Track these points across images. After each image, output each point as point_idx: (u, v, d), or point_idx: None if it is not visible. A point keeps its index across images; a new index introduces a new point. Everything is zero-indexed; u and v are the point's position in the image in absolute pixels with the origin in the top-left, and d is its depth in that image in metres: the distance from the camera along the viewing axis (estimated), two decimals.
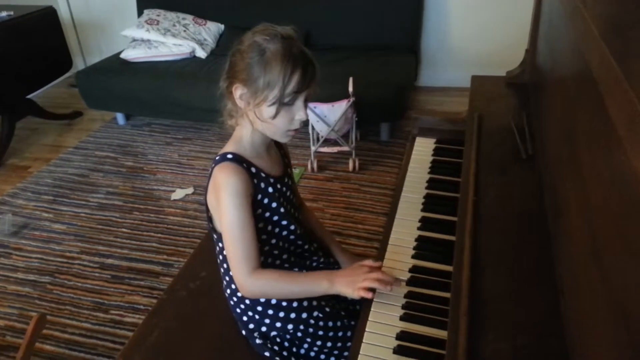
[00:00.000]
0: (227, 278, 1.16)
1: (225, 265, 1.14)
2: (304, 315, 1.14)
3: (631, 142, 0.49)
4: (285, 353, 1.15)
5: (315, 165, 2.70)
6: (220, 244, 1.12)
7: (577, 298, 0.74)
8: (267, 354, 1.13)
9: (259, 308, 1.14)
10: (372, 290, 1.00)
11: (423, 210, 1.26)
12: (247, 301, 1.14)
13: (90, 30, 4.20)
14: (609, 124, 0.56)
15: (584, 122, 0.77)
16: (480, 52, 3.43)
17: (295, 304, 1.13)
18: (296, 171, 2.70)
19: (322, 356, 1.16)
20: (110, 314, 1.93)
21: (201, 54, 3.29)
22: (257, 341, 1.15)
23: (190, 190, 2.66)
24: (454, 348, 0.79)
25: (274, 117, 1.00)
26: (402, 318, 0.97)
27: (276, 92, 0.97)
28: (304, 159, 2.79)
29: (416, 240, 1.16)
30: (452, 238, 1.06)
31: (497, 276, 0.91)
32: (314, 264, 1.24)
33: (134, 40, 3.35)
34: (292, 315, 1.13)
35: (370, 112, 2.74)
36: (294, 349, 1.16)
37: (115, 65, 3.29)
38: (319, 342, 1.15)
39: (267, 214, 1.10)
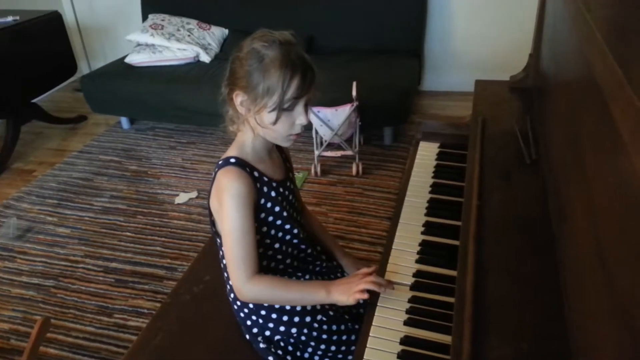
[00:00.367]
0: (231, 283, 1.16)
1: (228, 271, 1.14)
2: (308, 319, 1.14)
3: (635, 147, 0.49)
4: (289, 357, 1.14)
5: (318, 169, 2.71)
6: (223, 249, 1.12)
7: (582, 302, 0.73)
8: (270, 358, 1.13)
9: (263, 312, 1.14)
10: (369, 292, 1.01)
11: (427, 214, 1.26)
12: (251, 305, 1.14)
13: (95, 35, 4.23)
14: (613, 129, 0.56)
15: (588, 126, 0.77)
16: (483, 56, 3.43)
17: (299, 308, 1.13)
18: (299, 175, 2.70)
19: None
20: (114, 318, 1.93)
21: (205, 58, 3.30)
22: (261, 345, 1.15)
23: (194, 194, 2.66)
24: (458, 353, 0.79)
25: (275, 122, 1.00)
26: (406, 323, 0.97)
27: (276, 98, 0.97)
28: (307, 163, 2.79)
29: (420, 244, 1.16)
30: (456, 242, 1.05)
31: (501, 280, 0.91)
32: (317, 268, 1.24)
33: (139, 44, 3.37)
34: (296, 319, 1.14)
35: (374, 116, 2.75)
36: (298, 353, 1.16)
37: (120, 69, 3.30)
38: (322, 346, 1.15)
39: (271, 218, 1.10)
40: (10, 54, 3.01)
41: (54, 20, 3.32)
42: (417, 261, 1.11)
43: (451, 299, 0.94)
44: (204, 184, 2.74)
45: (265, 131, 1.04)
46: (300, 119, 1.02)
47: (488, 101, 1.54)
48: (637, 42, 0.64)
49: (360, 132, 2.71)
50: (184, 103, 3.08)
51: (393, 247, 1.16)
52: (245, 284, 1.03)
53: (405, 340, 0.94)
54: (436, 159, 1.48)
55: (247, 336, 1.19)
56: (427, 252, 1.14)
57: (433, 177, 1.40)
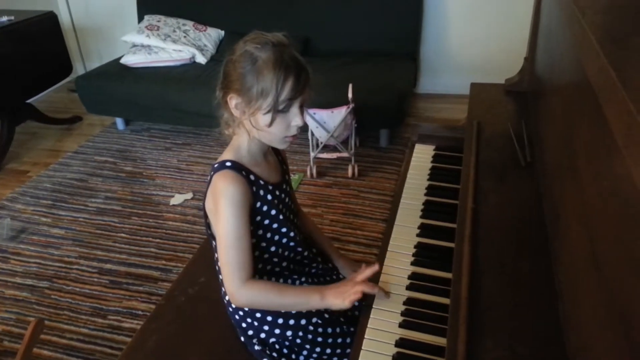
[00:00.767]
0: (224, 286, 1.15)
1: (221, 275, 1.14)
2: (303, 321, 1.14)
3: (629, 151, 0.49)
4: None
5: (314, 171, 2.71)
6: (218, 252, 1.12)
7: (576, 305, 0.74)
8: None
9: (258, 314, 1.14)
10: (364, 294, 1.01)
11: (422, 217, 1.26)
12: (246, 308, 1.14)
13: (90, 36, 4.21)
14: (607, 132, 0.56)
15: (582, 130, 0.77)
16: (479, 59, 3.45)
17: (294, 311, 1.13)
18: (295, 177, 2.70)
19: None
20: (109, 320, 1.92)
21: (201, 59, 3.30)
22: (256, 347, 1.14)
23: (189, 195, 2.66)
24: (453, 356, 0.79)
25: (270, 124, 1.00)
26: (401, 325, 0.97)
27: (270, 100, 0.97)
28: (303, 165, 2.79)
29: (415, 246, 1.16)
30: (451, 245, 1.06)
31: (496, 283, 0.91)
32: (313, 270, 1.24)
33: (134, 45, 3.36)
34: (291, 322, 1.13)
35: (370, 118, 2.75)
36: (293, 356, 1.15)
37: (115, 70, 3.29)
38: (317, 349, 1.15)
39: (267, 221, 1.10)
40: (5, 54, 3.00)
41: (50, 20, 3.31)
42: (413, 263, 1.12)
43: (446, 301, 0.95)
44: (199, 186, 2.74)
45: (261, 134, 1.04)
46: (295, 121, 1.02)
47: (483, 104, 1.54)
48: (631, 46, 0.65)
49: (356, 134, 2.72)
50: (180, 104, 3.07)
51: (388, 249, 1.17)
52: (238, 288, 1.02)
53: (401, 343, 0.94)
54: (432, 162, 1.49)
55: (242, 338, 1.18)
56: (422, 255, 1.14)
57: (428, 180, 1.40)
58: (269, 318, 1.13)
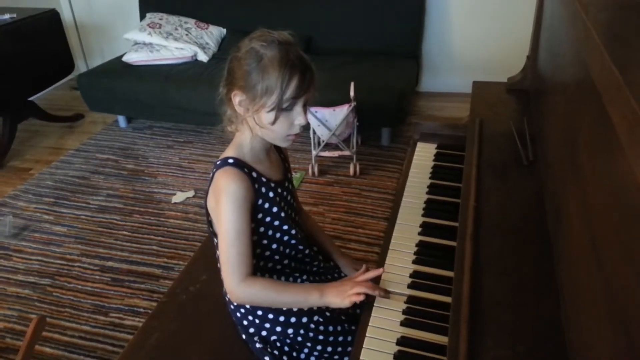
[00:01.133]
0: (224, 283, 1.15)
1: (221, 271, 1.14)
2: (305, 319, 1.14)
3: (632, 149, 0.49)
4: (285, 358, 1.14)
5: (316, 169, 2.71)
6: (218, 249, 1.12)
7: (578, 304, 0.74)
8: (267, 358, 1.13)
9: (259, 312, 1.14)
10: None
11: (424, 215, 1.26)
12: (248, 305, 1.14)
13: (92, 33, 4.21)
14: (610, 131, 0.56)
15: (585, 128, 0.77)
16: (481, 58, 3.44)
17: (295, 309, 1.13)
18: (297, 175, 2.70)
19: None
20: (110, 317, 1.93)
21: (203, 57, 3.30)
22: (257, 345, 1.14)
23: (191, 193, 2.66)
24: (454, 354, 0.79)
25: (273, 122, 1.00)
26: (402, 323, 0.97)
27: (274, 98, 0.97)
28: (304, 163, 2.79)
29: (417, 245, 1.16)
30: (453, 243, 1.06)
31: (498, 282, 0.91)
32: (314, 268, 1.24)
33: (136, 43, 3.36)
34: (293, 320, 1.13)
35: (372, 116, 2.75)
36: (294, 354, 1.15)
37: (117, 68, 3.30)
38: (319, 347, 1.15)
39: (268, 219, 1.10)
40: (7, 51, 3.00)
41: (52, 18, 3.31)
42: (414, 262, 1.12)
43: (448, 300, 0.95)
44: (200, 183, 2.74)
45: (264, 131, 1.04)
46: (299, 119, 1.02)
47: (485, 102, 1.54)
48: (635, 45, 0.65)
49: (358, 132, 2.72)
50: (182, 102, 3.07)
51: (390, 247, 1.17)
52: (238, 285, 1.02)
53: (402, 341, 0.94)
54: (433, 160, 1.48)
55: (244, 336, 1.18)
56: (424, 253, 1.14)
57: (430, 178, 1.40)
58: (271, 316, 1.13)
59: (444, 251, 1.13)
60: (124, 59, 3.31)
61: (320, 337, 1.14)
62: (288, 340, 1.15)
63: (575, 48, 0.87)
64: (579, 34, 0.79)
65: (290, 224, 1.14)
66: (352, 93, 2.54)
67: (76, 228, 2.44)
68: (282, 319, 1.13)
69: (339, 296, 1.01)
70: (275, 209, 1.10)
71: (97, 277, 2.13)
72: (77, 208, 2.60)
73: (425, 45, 3.54)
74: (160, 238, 2.33)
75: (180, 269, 2.07)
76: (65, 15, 3.98)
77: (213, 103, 1.08)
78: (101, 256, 2.24)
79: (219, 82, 1.06)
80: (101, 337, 1.85)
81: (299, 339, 1.14)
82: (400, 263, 1.12)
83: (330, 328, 1.15)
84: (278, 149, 1.19)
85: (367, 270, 1.08)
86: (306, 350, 1.15)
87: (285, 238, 1.15)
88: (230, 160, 1.05)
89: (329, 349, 1.15)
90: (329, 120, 2.54)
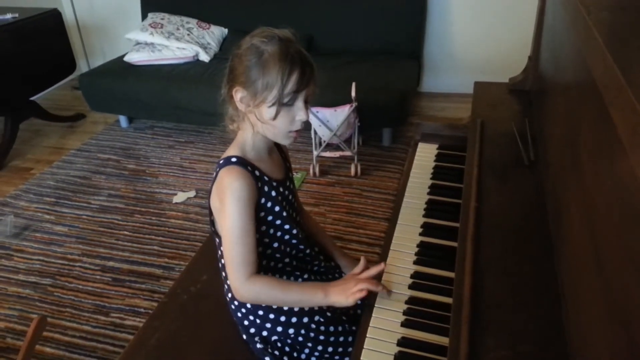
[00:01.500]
0: (229, 282, 1.15)
1: (226, 270, 1.14)
2: (305, 319, 1.14)
3: (634, 151, 0.49)
4: (285, 358, 1.14)
5: (317, 169, 2.71)
6: (222, 249, 1.12)
7: (579, 305, 0.73)
8: (267, 358, 1.13)
9: (260, 312, 1.14)
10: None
11: (425, 216, 1.26)
12: (249, 305, 1.14)
13: (94, 33, 4.22)
14: (612, 132, 0.56)
15: (586, 129, 0.77)
16: (482, 58, 3.44)
17: (296, 309, 1.13)
18: (298, 176, 2.70)
19: None
20: (111, 317, 1.93)
21: (204, 57, 3.30)
22: (258, 346, 1.14)
23: (192, 193, 2.66)
24: (455, 355, 0.79)
25: (275, 117, 1.00)
26: (403, 324, 0.97)
27: (275, 92, 0.97)
28: (306, 164, 2.79)
29: (418, 245, 1.16)
30: (454, 244, 1.05)
31: (499, 282, 0.91)
32: (315, 267, 1.24)
33: (138, 43, 3.37)
34: (294, 320, 1.13)
35: (373, 117, 2.75)
36: (295, 354, 1.15)
37: (119, 68, 3.30)
38: (319, 347, 1.15)
39: (270, 218, 1.10)
40: (9, 51, 3.00)
41: (54, 18, 3.31)
42: (415, 262, 1.11)
43: (449, 300, 0.95)
44: (202, 184, 2.74)
45: (266, 127, 1.04)
46: (300, 115, 1.02)
47: (487, 103, 1.54)
48: (637, 45, 0.64)
49: (359, 133, 2.71)
50: (183, 102, 3.07)
51: (391, 248, 1.17)
52: (243, 284, 1.03)
53: (403, 342, 0.94)
54: (435, 161, 1.48)
55: (244, 336, 1.18)
56: (425, 254, 1.14)
57: (431, 179, 1.40)
58: (271, 316, 1.13)
59: (445, 252, 1.13)
60: (126, 58, 3.31)
61: (321, 338, 1.14)
62: (289, 341, 1.15)
63: (577, 49, 0.86)
64: (581, 34, 0.79)
65: (291, 223, 1.14)
66: (353, 93, 2.53)
67: (77, 228, 2.45)
68: (283, 319, 1.13)
69: (343, 294, 1.01)
70: (277, 208, 1.10)
71: (98, 277, 2.13)
72: (78, 208, 2.60)
73: (426, 45, 3.54)
74: (161, 238, 2.34)
75: (181, 269, 2.07)
76: (67, 15, 3.99)
77: (214, 103, 1.08)
78: (102, 256, 2.25)
79: (221, 82, 1.07)
80: (102, 337, 1.85)
81: (300, 339, 1.14)
82: (401, 264, 1.11)
83: (331, 328, 1.15)
84: (279, 148, 1.19)
85: (366, 264, 1.09)
86: (307, 351, 1.15)
87: (287, 237, 1.15)
88: (234, 159, 1.05)
89: (330, 349, 1.15)
90: (330, 120, 2.54)
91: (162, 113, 3.23)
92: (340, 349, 1.16)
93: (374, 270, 1.05)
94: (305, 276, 1.20)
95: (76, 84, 3.61)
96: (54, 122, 3.50)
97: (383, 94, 2.78)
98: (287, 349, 1.15)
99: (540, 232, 0.99)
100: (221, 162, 1.06)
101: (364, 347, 0.94)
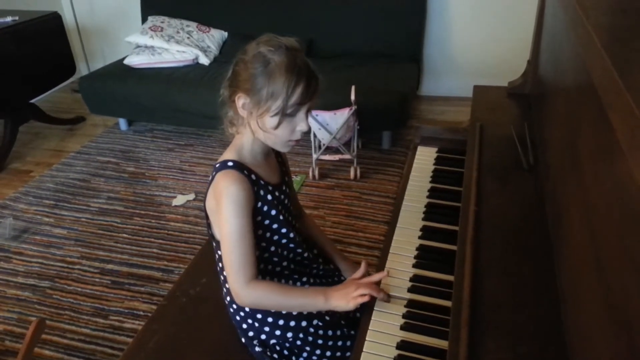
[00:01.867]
0: (227, 285, 1.15)
1: (225, 273, 1.14)
2: (304, 323, 1.13)
3: (633, 153, 0.49)
4: None
5: (316, 172, 2.71)
6: (219, 252, 1.12)
7: (579, 307, 0.73)
8: None
9: (259, 316, 1.14)
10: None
11: (424, 219, 1.26)
12: (247, 309, 1.14)
13: (94, 36, 4.22)
14: (611, 136, 0.56)
15: (585, 133, 0.77)
16: (482, 62, 3.44)
17: (295, 312, 1.13)
18: (297, 179, 2.70)
19: None
20: (110, 320, 1.92)
21: (204, 61, 3.31)
22: (257, 349, 1.14)
23: (191, 196, 2.66)
24: (455, 358, 0.78)
25: (276, 127, 1.00)
26: (402, 327, 0.97)
27: (279, 103, 0.98)
28: (305, 167, 2.79)
29: (417, 249, 1.16)
30: (454, 247, 1.05)
31: (499, 285, 0.91)
32: (314, 271, 1.24)
33: (138, 46, 3.37)
34: (292, 323, 1.13)
35: (372, 120, 2.75)
36: (294, 358, 1.15)
37: (119, 71, 3.30)
38: (318, 351, 1.14)
39: (267, 222, 1.10)
40: (9, 54, 3.00)
41: (54, 21, 3.32)
42: (415, 265, 1.11)
43: (448, 304, 0.94)
44: (201, 186, 2.74)
45: (266, 135, 1.04)
46: (301, 126, 1.02)
47: (486, 106, 1.54)
48: (636, 49, 0.65)
49: (359, 136, 2.72)
50: (183, 105, 3.08)
51: (390, 251, 1.16)
52: (243, 288, 1.02)
53: (402, 345, 0.94)
54: (434, 164, 1.48)
55: (243, 339, 1.18)
56: (424, 257, 1.14)
57: (431, 182, 1.40)
58: (270, 319, 1.13)
59: (444, 255, 1.13)
60: (126, 61, 3.32)
61: (320, 341, 1.14)
62: (287, 344, 1.15)
63: (576, 52, 0.87)
64: (580, 37, 0.79)
65: (288, 227, 1.14)
66: (353, 96, 2.54)
67: (76, 231, 2.44)
68: (281, 322, 1.13)
69: (344, 299, 1.01)
70: (274, 212, 1.10)
71: (97, 279, 2.13)
72: (78, 211, 2.60)
73: (426, 48, 3.55)
74: (160, 241, 2.33)
75: (181, 271, 2.07)
76: (67, 18, 3.99)
77: (214, 106, 1.09)
78: (101, 259, 2.24)
79: (221, 85, 1.07)
80: (101, 340, 1.84)
81: (298, 342, 1.14)
82: (400, 267, 1.11)
83: (330, 332, 1.15)
84: (276, 152, 1.19)
85: (366, 267, 1.09)
86: (305, 354, 1.15)
87: (284, 241, 1.15)
88: (230, 163, 1.05)
89: (328, 353, 1.15)
90: (330, 123, 2.54)
91: (162, 116, 3.23)
92: (338, 353, 1.16)
93: (376, 277, 1.05)
94: (304, 279, 1.20)
95: (76, 87, 3.62)
96: (54, 125, 3.50)
97: (383, 97, 2.78)
98: (285, 352, 1.15)
99: (540, 235, 0.99)
100: (218, 165, 1.06)
101: (364, 350, 0.94)
